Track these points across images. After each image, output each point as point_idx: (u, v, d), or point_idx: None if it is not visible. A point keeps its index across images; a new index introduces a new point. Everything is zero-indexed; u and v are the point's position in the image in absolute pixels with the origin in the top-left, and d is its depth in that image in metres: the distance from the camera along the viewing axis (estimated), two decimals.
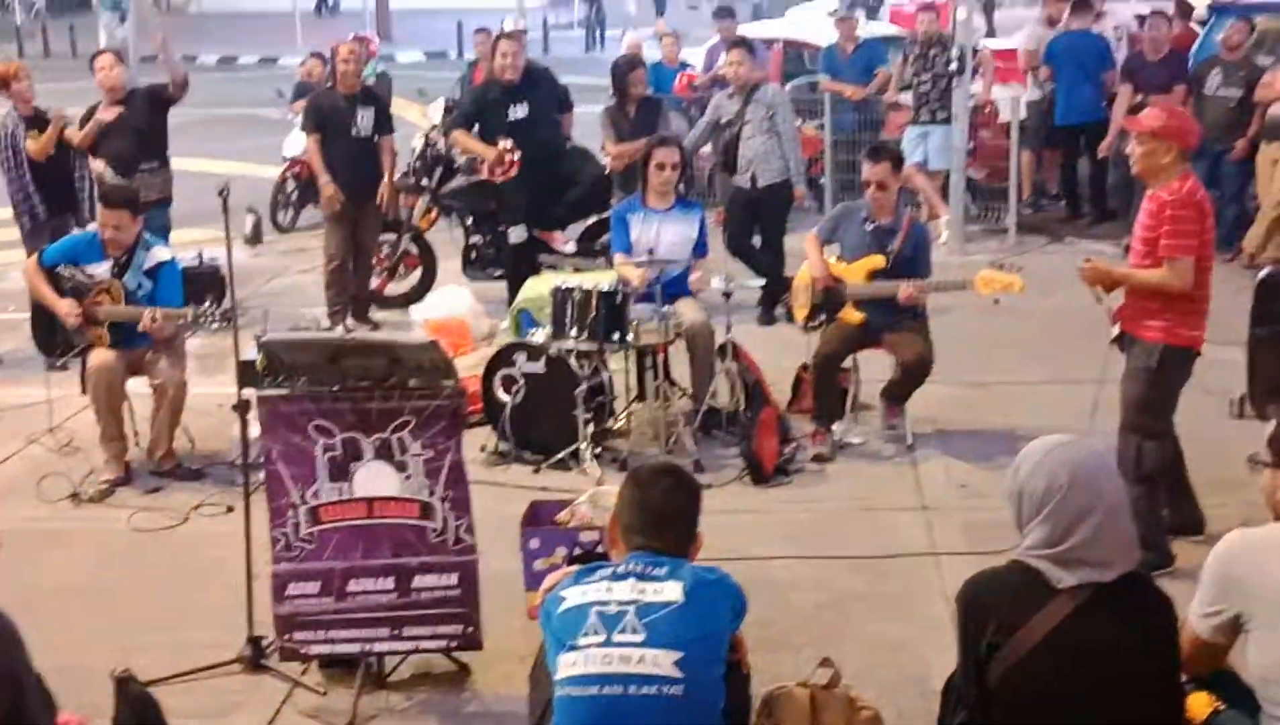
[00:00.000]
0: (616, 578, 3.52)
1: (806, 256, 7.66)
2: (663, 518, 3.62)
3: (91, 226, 7.77)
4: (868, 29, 15.18)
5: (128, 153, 9.51)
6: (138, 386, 7.38)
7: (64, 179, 9.76)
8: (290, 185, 13.25)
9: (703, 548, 3.75)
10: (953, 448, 7.38)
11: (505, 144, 9.49)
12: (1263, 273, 7.83)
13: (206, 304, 6.95)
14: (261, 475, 5.06)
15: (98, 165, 9.55)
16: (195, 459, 7.41)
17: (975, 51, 12.28)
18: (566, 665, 3.43)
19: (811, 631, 5.46)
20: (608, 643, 3.40)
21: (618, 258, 7.92)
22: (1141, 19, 12.79)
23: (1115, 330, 6.11)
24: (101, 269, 7.18)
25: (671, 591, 3.46)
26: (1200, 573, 3.48)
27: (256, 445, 5.37)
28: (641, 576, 3.50)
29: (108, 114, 9.56)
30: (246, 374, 5.55)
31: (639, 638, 3.39)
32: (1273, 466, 3.46)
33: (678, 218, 7.95)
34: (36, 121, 9.56)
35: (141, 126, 9.57)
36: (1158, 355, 5.83)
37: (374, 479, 4.90)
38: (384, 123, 9.94)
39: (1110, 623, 3.31)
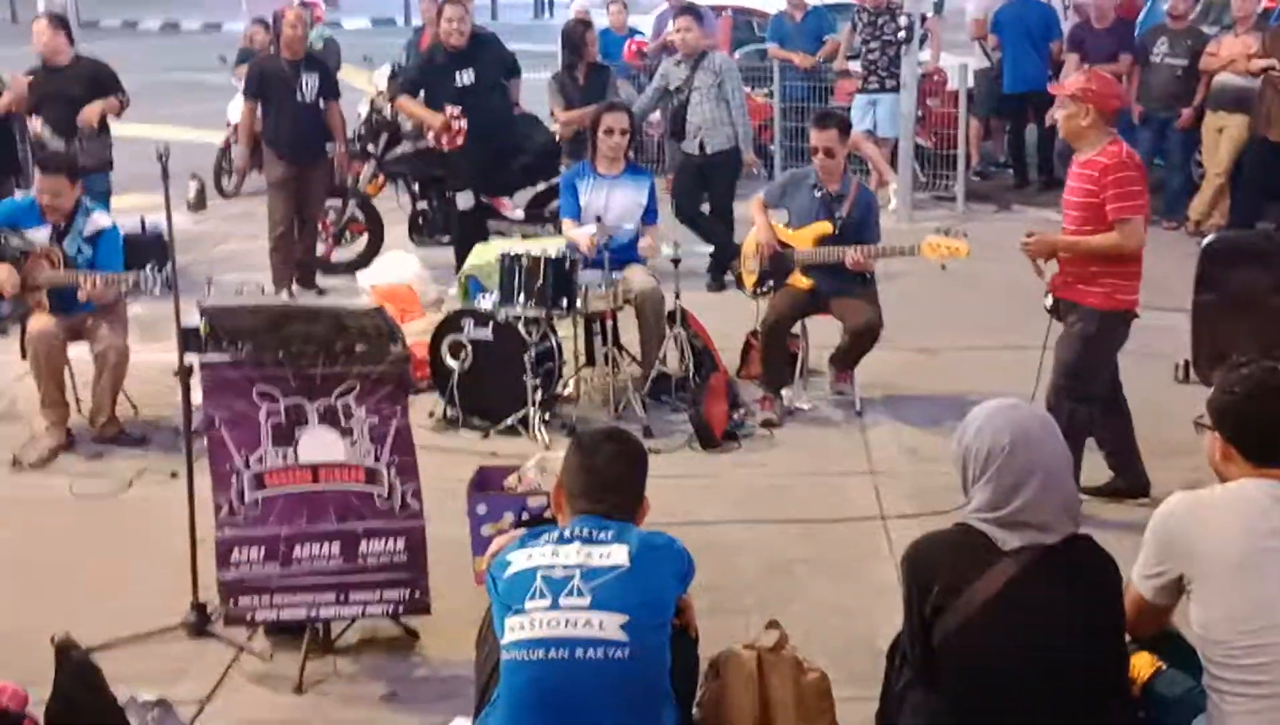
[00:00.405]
0: (562, 541, 3.50)
1: (753, 221, 7.65)
2: (607, 482, 3.60)
3: (32, 191, 7.64)
4: None
5: (67, 119, 9.34)
6: (79, 352, 7.28)
7: (5, 142, 9.58)
8: (234, 151, 13.07)
9: (651, 512, 3.75)
10: (901, 413, 7.41)
11: (452, 111, 9.41)
12: (1207, 240, 7.92)
13: (147, 269, 6.86)
14: (205, 441, 5.00)
15: (35, 124, 9.38)
16: (138, 425, 7.33)
17: (924, 19, 12.29)
18: (513, 629, 3.42)
19: (759, 595, 5.47)
20: (554, 606, 3.39)
21: (566, 223, 7.88)
22: None
23: (1049, 300, 6.14)
24: (41, 234, 7.07)
25: (618, 555, 3.45)
26: (1144, 535, 3.51)
27: (200, 411, 5.31)
28: (587, 540, 3.49)
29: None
30: (189, 340, 5.49)
31: (585, 601, 3.38)
32: (1211, 428, 3.49)
33: (627, 184, 7.92)
34: None
35: (81, 95, 9.40)
36: (1097, 320, 5.88)
37: (319, 444, 4.86)
38: (330, 88, 9.84)
39: (1054, 584, 3.34)
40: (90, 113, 9.29)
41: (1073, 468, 3.51)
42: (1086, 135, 5.80)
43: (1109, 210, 5.72)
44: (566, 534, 3.53)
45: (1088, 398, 5.98)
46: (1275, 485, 3.31)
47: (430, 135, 9.64)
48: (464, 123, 9.39)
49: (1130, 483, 6.24)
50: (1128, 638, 3.52)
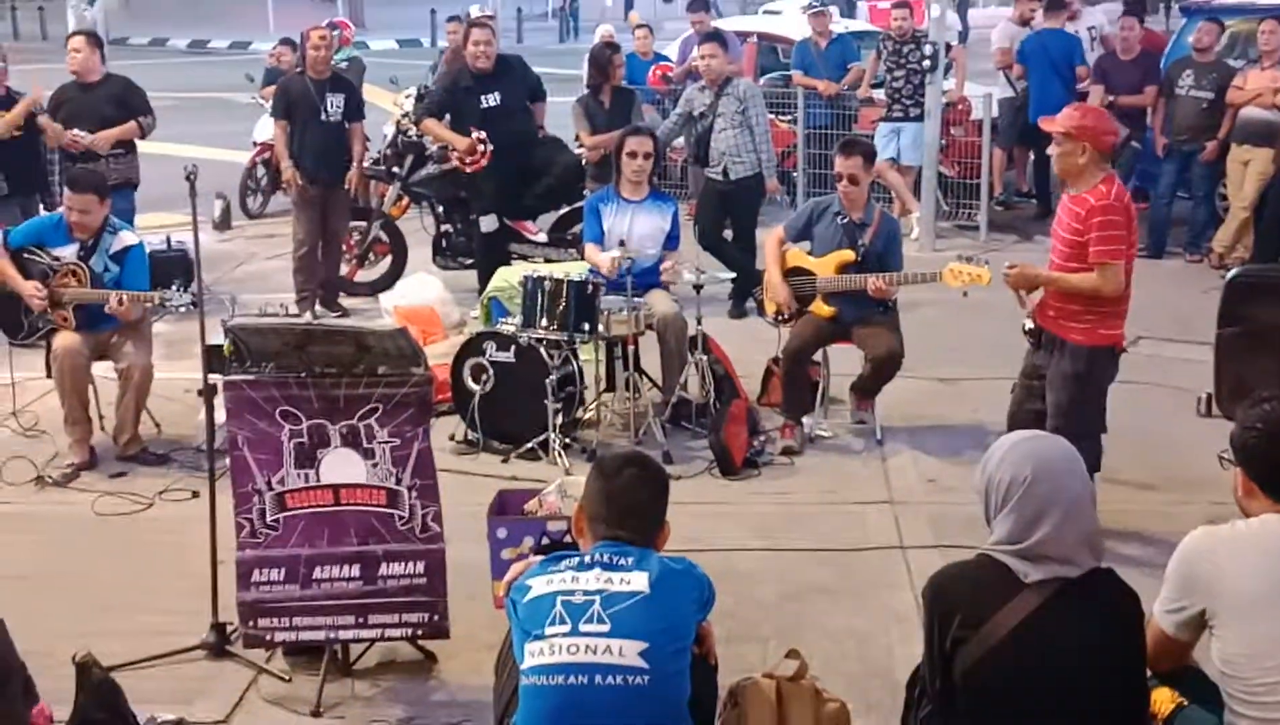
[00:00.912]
0: (582, 567, 3.50)
1: (766, 258, 7.64)
2: (628, 508, 3.60)
3: (59, 209, 7.69)
4: (841, 24, 15.20)
5: None
6: (103, 370, 7.33)
7: (32, 159, 9.61)
8: (260, 171, 13.18)
9: (670, 538, 3.74)
10: (921, 442, 7.40)
11: (478, 135, 9.46)
12: (1231, 273, 7.87)
13: (173, 288, 6.91)
14: (227, 461, 5.02)
15: (71, 133, 9.37)
16: (160, 444, 7.38)
17: (949, 48, 12.30)
18: (532, 654, 3.42)
19: (778, 623, 5.47)
20: (574, 632, 3.39)
21: (589, 247, 7.90)
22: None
23: (1029, 323, 6.13)
24: (68, 252, 7.13)
25: (638, 581, 3.45)
26: (1166, 569, 3.49)
27: (222, 431, 5.33)
28: (608, 566, 3.49)
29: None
30: (213, 359, 5.52)
31: (605, 628, 3.38)
32: (1236, 464, 3.48)
33: (650, 209, 7.94)
34: (5, 103, 9.43)
35: (109, 114, 9.47)
36: (1085, 359, 5.86)
37: (340, 466, 4.88)
38: (354, 109, 9.90)
39: (1076, 618, 3.33)
40: (104, 139, 9.35)
41: (1093, 501, 3.48)
42: (1083, 173, 5.76)
43: (1091, 252, 5.71)
44: (587, 560, 3.53)
45: (1087, 434, 5.91)
46: None
47: (455, 157, 9.68)
48: (489, 146, 9.43)
49: None
50: (1149, 673, 3.51)
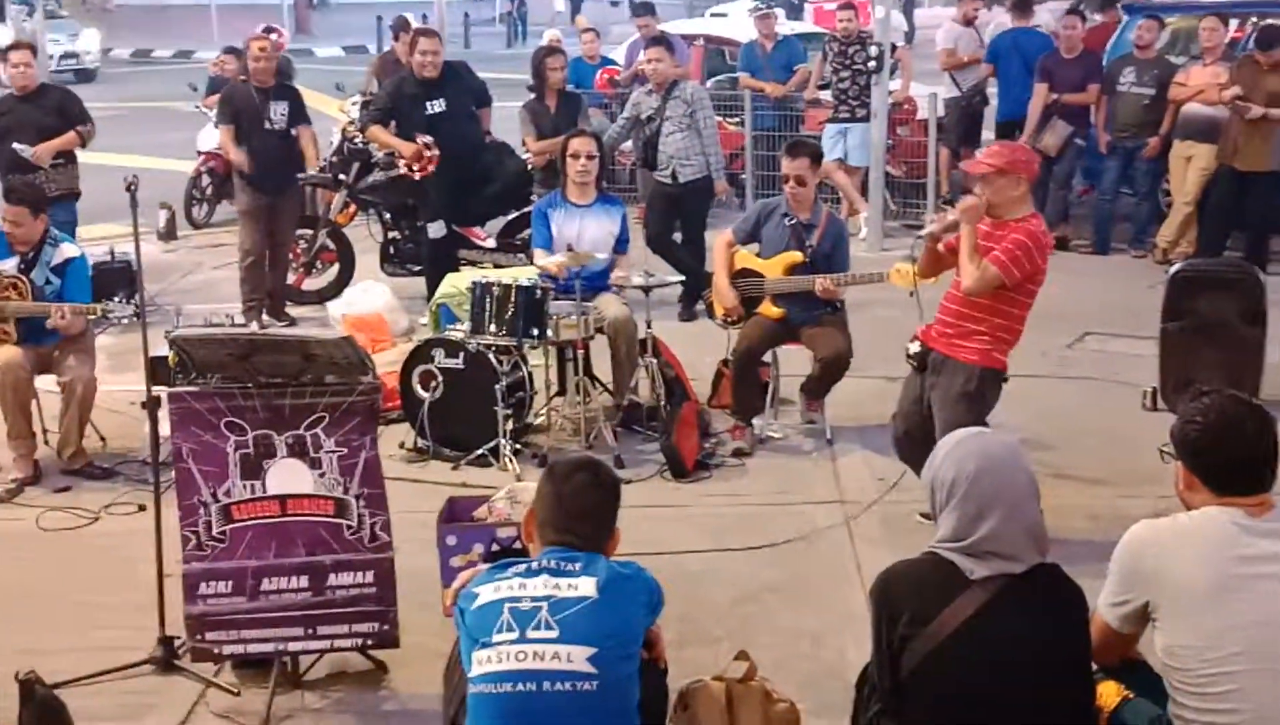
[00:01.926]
0: (530, 574, 3.49)
1: (714, 261, 7.65)
2: (578, 513, 3.58)
3: None
4: (787, 26, 15.25)
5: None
6: (46, 384, 7.24)
7: None
8: (205, 180, 13.07)
9: (622, 542, 3.73)
10: (872, 441, 7.42)
11: (424, 139, 9.42)
12: (1174, 269, 7.98)
13: (116, 299, 6.84)
14: (173, 473, 4.97)
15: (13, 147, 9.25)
16: (105, 457, 7.30)
17: (894, 49, 12.37)
18: (480, 662, 3.40)
19: (729, 625, 5.47)
20: (521, 639, 3.37)
21: (538, 253, 7.89)
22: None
23: (915, 347, 6.17)
24: (8, 265, 7.04)
25: (585, 587, 3.43)
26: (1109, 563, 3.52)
27: (167, 443, 5.28)
28: (555, 572, 3.47)
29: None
30: (157, 371, 5.47)
31: (553, 634, 3.36)
32: (1177, 458, 3.50)
33: (599, 213, 7.93)
34: None
35: (49, 125, 9.35)
36: (976, 378, 5.90)
37: (287, 476, 4.84)
38: (299, 113, 9.83)
39: (1022, 614, 3.35)
40: (44, 151, 9.24)
41: (1038, 497, 3.50)
42: (1016, 205, 5.82)
43: (991, 252, 5.76)
44: (534, 566, 3.51)
45: None
46: (1239, 514, 3.33)
47: (402, 163, 9.64)
48: (436, 150, 9.40)
49: None
50: (1094, 666, 3.53)
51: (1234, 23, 12.39)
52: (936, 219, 6.21)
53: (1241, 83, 10.35)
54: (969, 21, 13.43)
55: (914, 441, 6.13)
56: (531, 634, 3.37)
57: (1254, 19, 12.19)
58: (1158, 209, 11.54)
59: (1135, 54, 11.36)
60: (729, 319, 7.65)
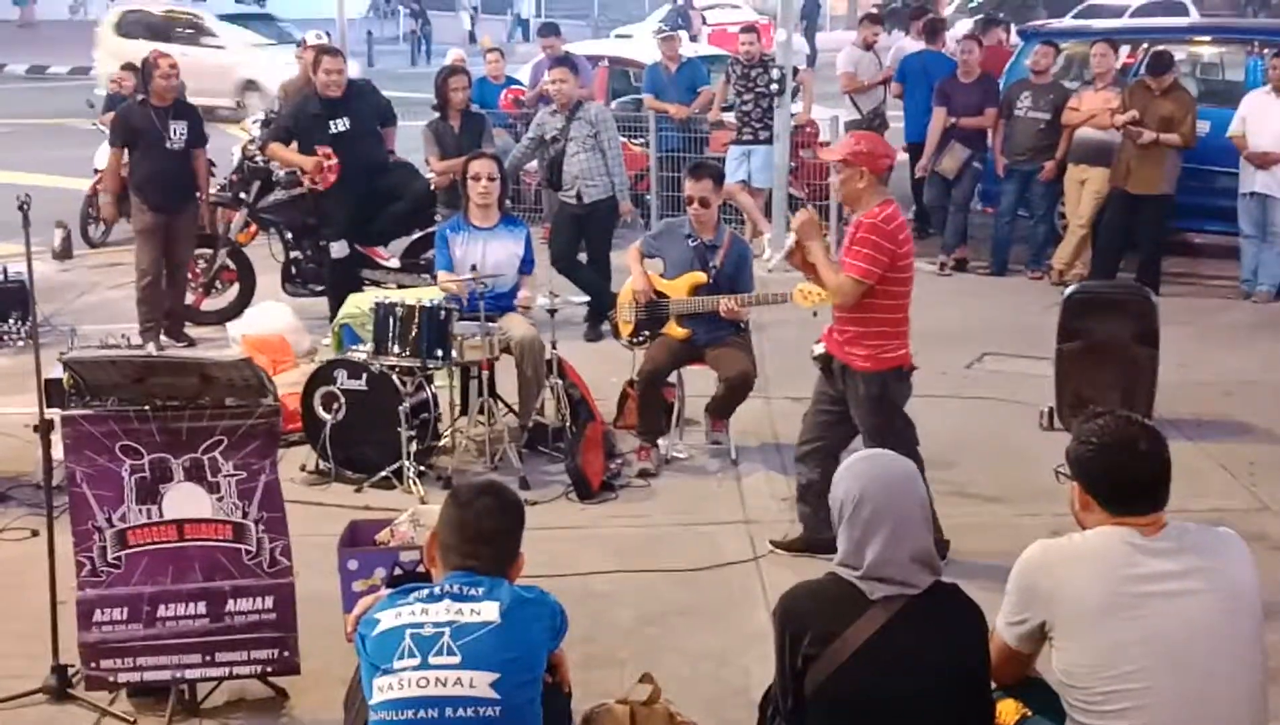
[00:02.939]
0: (432, 598, 3.46)
1: (630, 270, 7.68)
2: (480, 536, 3.56)
3: None
4: (690, 49, 15.34)
5: None
6: None
7: None
8: (101, 198, 12.80)
9: (527, 563, 3.71)
10: (775, 461, 7.47)
11: (323, 150, 9.34)
12: (1069, 290, 8.14)
13: (10, 321, 6.70)
14: (66, 498, 4.87)
15: None
16: None
17: (796, 72, 12.49)
18: (381, 689, 3.36)
19: (634, 646, 5.47)
20: (423, 665, 3.34)
21: (441, 276, 7.85)
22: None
23: (818, 348, 6.22)
24: None
25: (488, 611, 3.41)
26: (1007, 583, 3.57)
27: (61, 467, 5.17)
28: (458, 597, 3.44)
29: None
30: (51, 393, 5.36)
31: (455, 659, 3.34)
32: (1072, 478, 3.56)
33: (502, 235, 7.91)
34: None
35: None
36: (877, 383, 5.94)
37: (184, 501, 4.77)
38: (197, 135, 9.71)
39: (922, 632, 3.39)
40: None
41: (930, 519, 3.54)
42: (863, 197, 5.84)
43: (843, 261, 5.82)
44: (437, 591, 3.48)
45: (911, 442, 6.02)
46: (1132, 533, 3.39)
47: (305, 179, 9.55)
48: (335, 160, 9.32)
49: (815, 539, 6.15)
50: (993, 684, 3.58)
51: (1125, 49, 12.71)
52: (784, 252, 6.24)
53: (1134, 107, 10.59)
54: (869, 46, 13.61)
55: (815, 446, 6.20)
56: (434, 660, 3.34)
57: (1145, 44, 12.48)
58: (1053, 231, 11.75)
59: (1031, 79, 11.58)
60: (634, 339, 7.67)
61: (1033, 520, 6.45)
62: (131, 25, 22.70)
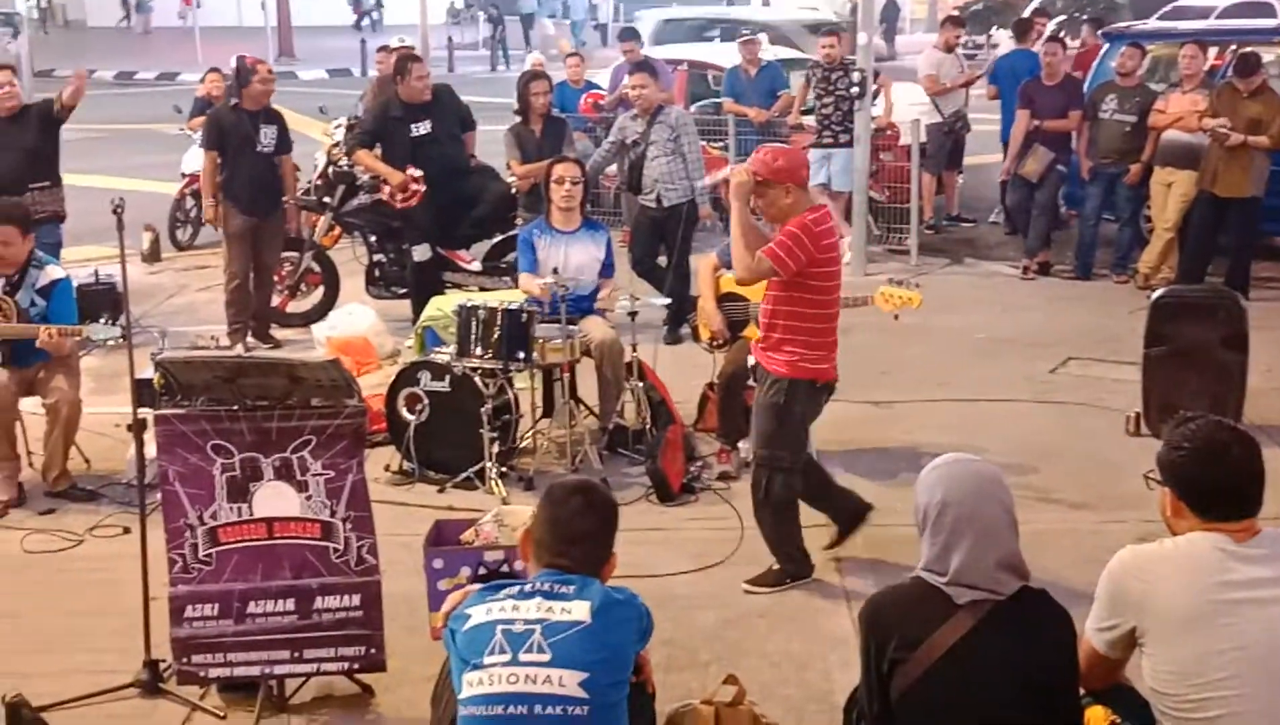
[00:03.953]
0: (523, 596, 3.49)
1: (700, 284, 7.66)
2: (572, 536, 3.59)
3: None
4: (770, 52, 15.32)
5: (17, 171, 9.23)
6: (31, 406, 7.22)
7: None
8: (189, 202, 13.04)
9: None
10: (856, 465, 7.43)
11: (412, 172, 9.46)
12: (1156, 294, 8.03)
13: (101, 321, 6.83)
14: (158, 496, 4.96)
15: None
16: (90, 479, 7.26)
17: (876, 75, 12.44)
18: (470, 684, 3.39)
19: (715, 649, 5.47)
20: (513, 662, 3.37)
21: (522, 278, 7.91)
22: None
23: (752, 360, 6.17)
24: None
25: (579, 611, 3.43)
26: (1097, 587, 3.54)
27: (153, 465, 5.27)
28: (549, 595, 3.47)
29: None
30: (143, 393, 5.47)
31: (545, 657, 3.36)
32: (1163, 484, 3.52)
33: (584, 239, 7.96)
34: None
35: (32, 145, 9.32)
36: (784, 391, 5.84)
37: (274, 499, 4.83)
38: (285, 140, 9.85)
39: (1009, 638, 3.36)
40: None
41: (1014, 524, 3.50)
42: (790, 211, 5.68)
43: (766, 246, 5.66)
44: (528, 588, 3.51)
45: (788, 468, 5.95)
46: (1224, 539, 3.35)
47: (387, 190, 9.66)
48: (422, 186, 9.43)
49: (850, 516, 6.28)
50: (1082, 691, 3.55)
51: (1213, 50, 12.52)
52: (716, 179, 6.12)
53: (1221, 110, 10.44)
54: (950, 48, 13.53)
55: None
56: (524, 657, 3.37)
57: (1233, 46, 12.30)
58: (1139, 235, 11.60)
59: (1117, 81, 11.44)
60: (715, 342, 7.67)
61: (1119, 527, 6.37)
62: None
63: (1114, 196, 11.48)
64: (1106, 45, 12.90)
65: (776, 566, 6.07)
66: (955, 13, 18.83)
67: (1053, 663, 3.39)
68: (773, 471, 5.92)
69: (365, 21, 39.90)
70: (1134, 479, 6.95)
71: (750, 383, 7.58)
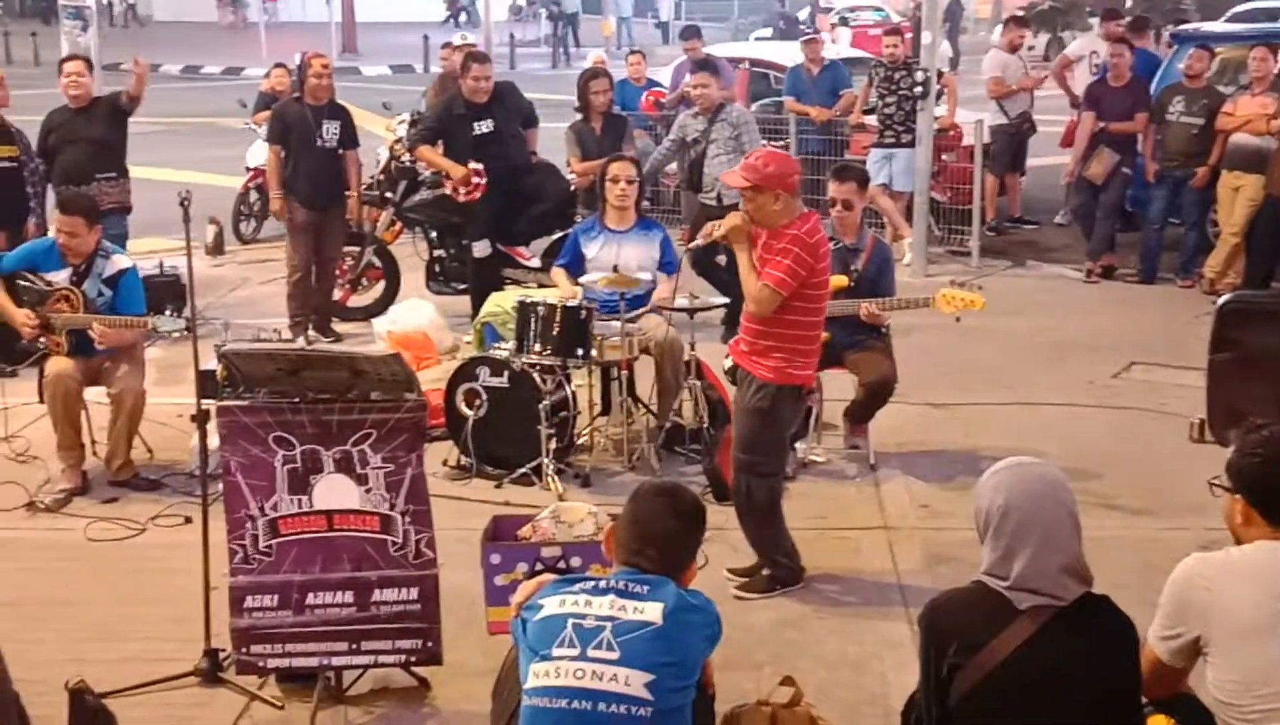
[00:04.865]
0: (597, 592, 3.48)
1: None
2: (650, 537, 3.58)
3: (51, 232, 7.67)
4: (833, 51, 15.26)
5: (85, 162, 9.36)
6: (96, 395, 7.30)
7: (17, 196, 9.32)
8: (253, 196, 13.16)
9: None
10: (915, 468, 7.39)
11: (474, 166, 9.49)
12: (1222, 299, 7.91)
13: (166, 312, 6.90)
14: (220, 486, 5.01)
15: None
16: (153, 469, 7.35)
17: (940, 75, 12.36)
18: (537, 675, 3.40)
19: (771, 649, 5.46)
20: (581, 657, 3.37)
21: (557, 271, 8.05)
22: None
23: (728, 362, 6.11)
24: (60, 276, 7.11)
25: (651, 612, 3.42)
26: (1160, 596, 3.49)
27: (215, 456, 5.32)
28: (622, 593, 3.46)
29: None
30: (206, 384, 5.52)
31: (613, 655, 3.36)
32: (1230, 491, 3.48)
33: (638, 238, 7.97)
34: None
35: (100, 137, 9.45)
36: (770, 396, 5.78)
37: (334, 491, 4.87)
38: (349, 136, 9.91)
39: (1071, 645, 3.32)
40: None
41: (1077, 529, 3.45)
42: (779, 217, 5.64)
43: (763, 270, 5.63)
44: (602, 584, 3.51)
45: (766, 472, 5.92)
46: None
47: (449, 186, 9.70)
48: (484, 180, 9.47)
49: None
50: (1144, 699, 3.50)
51: None
52: (702, 235, 6.09)
53: None
54: (1014, 48, 13.41)
55: None
56: (592, 653, 3.37)
57: None
58: (1205, 239, 11.45)
59: (1184, 83, 11.30)
60: None
61: (1181, 534, 6.30)
62: None
63: (1180, 200, 11.35)
64: (1175, 47, 12.74)
65: (766, 572, 6.05)
66: (1019, 13, 18.63)
67: (1116, 671, 3.35)
68: (753, 476, 5.91)
69: (463, 17, 39.98)
70: (1196, 486, 6.79)
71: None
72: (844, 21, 23.30)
